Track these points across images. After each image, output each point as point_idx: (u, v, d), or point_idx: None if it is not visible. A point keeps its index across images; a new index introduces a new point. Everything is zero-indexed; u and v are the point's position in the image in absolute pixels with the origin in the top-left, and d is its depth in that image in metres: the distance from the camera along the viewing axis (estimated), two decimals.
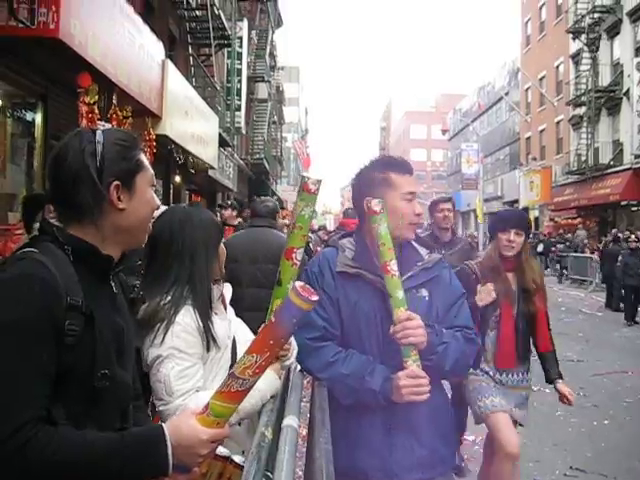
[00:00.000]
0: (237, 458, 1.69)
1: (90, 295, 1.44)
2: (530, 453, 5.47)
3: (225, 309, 2.33)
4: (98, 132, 1.54)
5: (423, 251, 2.43)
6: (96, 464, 1.31)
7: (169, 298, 2.07)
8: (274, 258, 2.67)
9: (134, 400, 1.65)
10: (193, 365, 2.03)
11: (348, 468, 2.20)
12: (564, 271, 24.06)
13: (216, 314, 2.19)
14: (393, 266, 2.11)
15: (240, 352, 2.17)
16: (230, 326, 2.31)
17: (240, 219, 8.20)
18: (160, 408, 1.98)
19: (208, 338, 2.08)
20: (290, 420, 1.75)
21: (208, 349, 2.10)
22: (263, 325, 1.48)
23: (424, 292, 2.33)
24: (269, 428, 1.77)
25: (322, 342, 2.24)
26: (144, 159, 1.61)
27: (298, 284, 1.45)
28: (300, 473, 3.18)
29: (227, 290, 2.38)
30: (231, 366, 2.06)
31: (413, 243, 2.43)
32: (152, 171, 1.63)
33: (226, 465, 1.68)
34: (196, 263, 2.14)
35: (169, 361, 2.01)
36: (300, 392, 2.27)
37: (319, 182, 1.99)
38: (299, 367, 2.59)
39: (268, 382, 2.07)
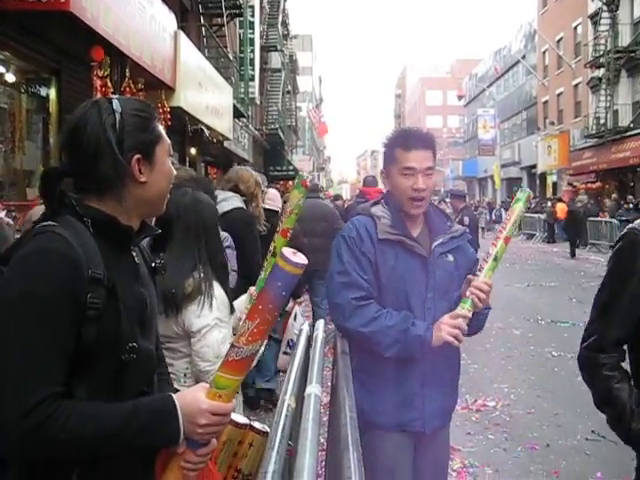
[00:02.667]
0: (258, 424, 1.72)
1: (111, 267, 1.43)
2: (551, 418, 5.49)
3: None
4: (115, 102, 1.51)
5: (449, 222, 2.65)
6: (111, 436, 1.34)
7: (202, 275, 2.36)
8: (325, 217, 4.67)
9: (157, 367, 1.66)
10: (229, 331, 2.43)
11: (384, 422, 2.44)
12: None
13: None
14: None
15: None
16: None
17: None
18: (207, 369, 2.33)
19: (231, 307, 2.46)
20: (313, 388, 1.76)
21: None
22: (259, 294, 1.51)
23: (450, 257, 2.53)
24: (292, 397, 1.78)
25: (365, 301, 2.37)
26: (161, 129, 1.59)
27: (286, 250, 1.47)
28: (322, 440, 3.21)
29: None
30: None
31: (441, 213, 2.67)
32: (169, 140, 1.62)
33: (246, 432, 1.68)
34: (210, 243, 2.44)
35: (215, 329, 2.36)
36: (322, 360, 2.28)
37: (312, 181, 2.14)
38: (320, 336, 2.60)
39: None
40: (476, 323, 2.42)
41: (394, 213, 2.49)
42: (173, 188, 1.66)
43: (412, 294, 2.42)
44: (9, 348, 1.29)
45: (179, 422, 1.39)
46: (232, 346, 1.45)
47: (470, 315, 2.29)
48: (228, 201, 4.15)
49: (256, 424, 1.72)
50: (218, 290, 2.39)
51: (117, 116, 1.48)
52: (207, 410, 1.41)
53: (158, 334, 1.72)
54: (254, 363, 1.50)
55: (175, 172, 1.65)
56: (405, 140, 2.48)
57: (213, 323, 2.35)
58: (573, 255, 20.67)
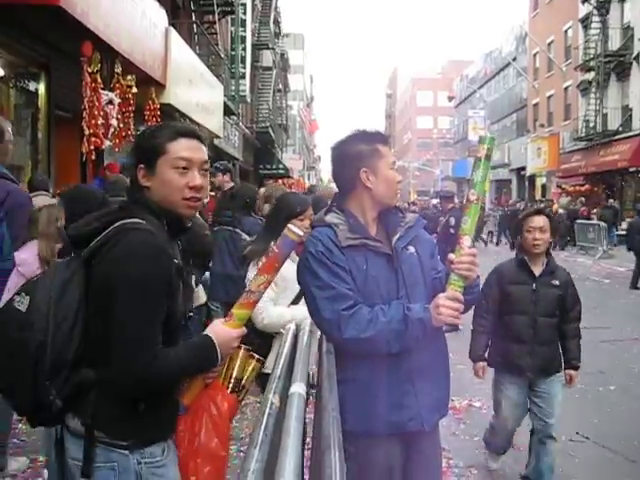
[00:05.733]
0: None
1: (174, 252, 1.97)
2: None
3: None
4: None
5: (401, 214, 2.62)
6: (183, 371, 1.96)
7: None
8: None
9: None
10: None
11: (382, 425, 2.40)
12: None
13: (292, 261, 2.89)
14: (472, 196, 2.31)
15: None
16: None
17: (233, 183, 7.62)
18: None
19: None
20: (297, 387, 1.76)
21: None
22: (269, 255, 2.19)
23: (412, 249, 2.52)
24: (276, 395, 1.78)
25: (354, 308, 2.32)
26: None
27: (290, 225, 2.16)
28: (307, 439, 3.21)
29: None
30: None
31: (392, 208, 2.60)
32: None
33: (240, 351, 2.32)
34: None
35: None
36: (307, 359, 2.28)
37: (299, 236, 2.26)
38: (306, 335, 2.60)
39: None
40: (470, 298, 2.36)
41: (350, 217, 2.48)
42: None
43: (386, 294, 2.40)
44: (137, 317, 1.80)
45: (218, 354, 1.98)
46: (250, 292, 2.08)
47: (459, 295, 2.26)
48: None
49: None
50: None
51: None
52: (237, 336, 2.05)
53: None
54: None
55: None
56: (382, 137, 2.56)
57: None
58: (513, 248, 22.48)
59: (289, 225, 2.12)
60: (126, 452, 1.88)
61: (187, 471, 2.07)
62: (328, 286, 2.33)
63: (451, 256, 2.28)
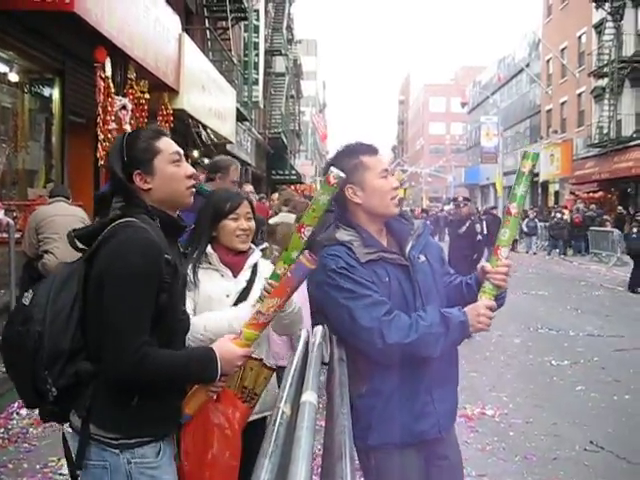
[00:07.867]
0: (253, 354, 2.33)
1: (170, 252, 1.99)
2: (550, 428, 5.46)
3: (235, 274, 2.83)
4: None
5: (408, 222, 2.59)
6: (177, 373, 1.97)
7: None
8: None
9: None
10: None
11: (403, 436, 2.39)
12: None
13: (222, 275, 2.80)
14: (513, 209, 2.38)
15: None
16: (234, 287, 2.82)
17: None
18: None
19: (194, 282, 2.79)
20: (309, 396, 1.74)
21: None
22: (282, 279, 2.19)
23: (422, 257, 2.51)
24: (287, 404, 1.76)
25: (393, 313, 2.31)
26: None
27: (307, 252, 2.12)
28: (319, 447, 3.19)
29: (253, 257, 2.89)
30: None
31: (397, 217, 2.57)
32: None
33: (247, 360, 2.25)
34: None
35: None
36: (319, 367, 2.26)
37: (341, 178, 2.27)
38: (318, 342, 2.58)
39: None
40: (498, 304, 2.44)
41: (363, 232, 2.43)
42: None
43: (407, 306, 2.38)
44: (122, 307, 1.85)
45: (218, 369, 2.01)
46: (260, 313, 2.13)
47: (494, 304, 2.36)
48: None
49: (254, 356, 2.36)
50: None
51: None
52: (242, 355, 2.09)
53: None
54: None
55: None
56: (368, 147, 2.51)
57: None
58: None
59: (305, 252, 2.13)
60: (117, 451, 1.93)
61: None
62: (362, 295, 2.29)
63: (487, 266, 2.35)
